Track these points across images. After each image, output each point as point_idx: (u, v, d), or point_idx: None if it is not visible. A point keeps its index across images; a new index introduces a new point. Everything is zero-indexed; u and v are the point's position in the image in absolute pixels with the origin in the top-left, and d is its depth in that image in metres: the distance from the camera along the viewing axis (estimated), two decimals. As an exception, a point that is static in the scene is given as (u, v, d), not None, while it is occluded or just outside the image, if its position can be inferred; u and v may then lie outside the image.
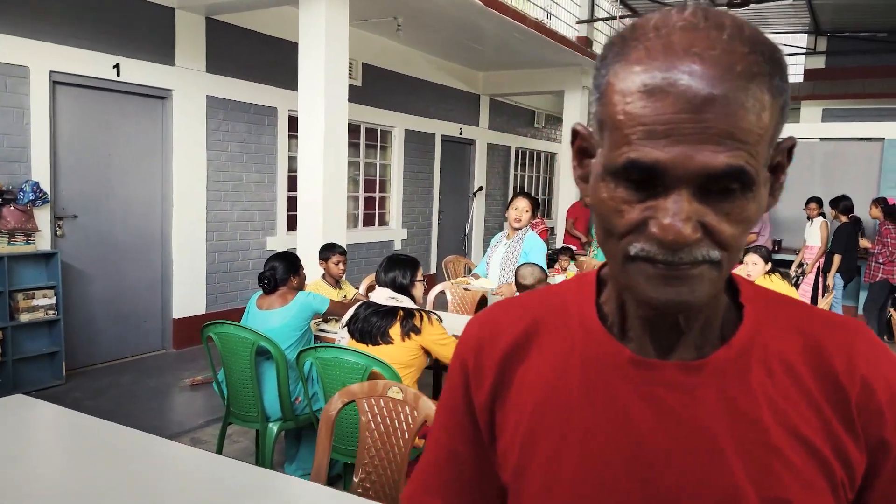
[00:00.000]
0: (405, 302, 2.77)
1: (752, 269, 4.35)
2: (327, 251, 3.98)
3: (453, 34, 7.12)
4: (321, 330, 3.51)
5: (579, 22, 9.54)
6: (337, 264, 3.95)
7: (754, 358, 0.60)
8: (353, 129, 7.14)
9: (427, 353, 2.76)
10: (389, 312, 2.73)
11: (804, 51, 13.36)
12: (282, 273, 3.20)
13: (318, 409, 2.97)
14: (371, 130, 7.69)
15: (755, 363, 0.59)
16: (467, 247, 9.23)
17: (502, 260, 3.91)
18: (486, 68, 9.15)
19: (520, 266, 3.07)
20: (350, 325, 2.77)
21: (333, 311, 3.21)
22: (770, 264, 4.32)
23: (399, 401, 1.99)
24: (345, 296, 3.98)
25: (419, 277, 2.90)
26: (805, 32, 13.14)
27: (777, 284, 4.21)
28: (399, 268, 2.86)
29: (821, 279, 6.80)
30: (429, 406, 1.92)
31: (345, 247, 4.12)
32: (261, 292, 3.23)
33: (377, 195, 7.95)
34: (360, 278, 5.17)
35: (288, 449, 3.37)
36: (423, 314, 2.74)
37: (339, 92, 4.77)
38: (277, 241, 6.28)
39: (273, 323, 3.09)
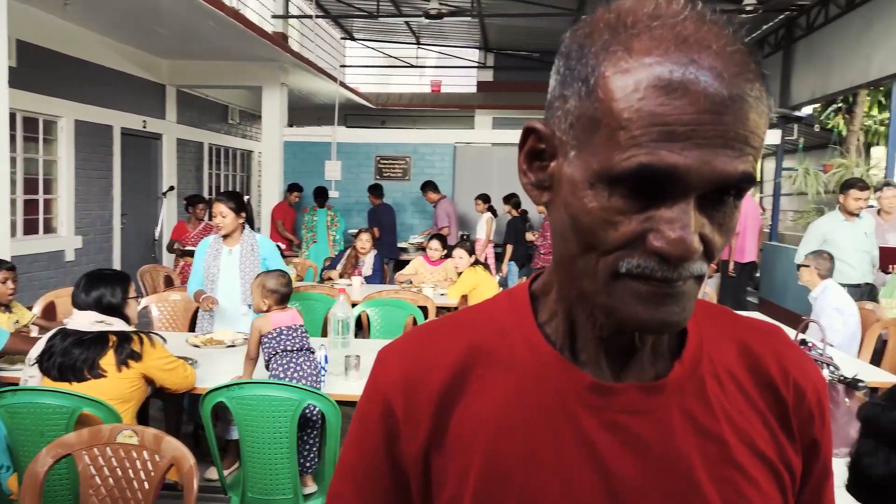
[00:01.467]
0: (117, 325, 2.34)
1: (458, 262, 4.74)
2: (-10, 269, 3.17)
3: (130, 14, 6.31)
4: (-7, 369, 2.77)
5: (275, 17, 9.29)
6: (4, 282, 3.18)
7: (705, 371, 0.58)
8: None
9: (149, 381, 2.38)
10: (98, 340, 2.27)
11: (476, 64, 15.09)
12: (-75, 301, 2.45)
13: (2, 468, 2.34)
14: (31, 120, 6.42)
15: (707, 377, 0.58)
16: (158, 253, 8.29)
17: (241, 273, 3.48)
18: (171, 56, 8.35)
19: (259, 275, 2.80)
20: (43, 361, 2.24)
21: (14, 348, 2.53)
22: (474, 257, 4.76)
23: (133, 446, 1.66)
24: (17, 321, 3.23)
25: (132, 294, 2.48)
26: (477, 48, 14.86)
27: (482, 275, 4.66)
28: (105, 285, 2.41)
29: (493, 267, 7.71)
30: (174, 446, 1.64)
31: (10, 261, 3.34)
32: None
33: (41, 197, 6.69)
34: (25, 298, 4.26)
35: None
36: (143, 336, 2.35)
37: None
38: None
39: (-83, 368, 2.35)
